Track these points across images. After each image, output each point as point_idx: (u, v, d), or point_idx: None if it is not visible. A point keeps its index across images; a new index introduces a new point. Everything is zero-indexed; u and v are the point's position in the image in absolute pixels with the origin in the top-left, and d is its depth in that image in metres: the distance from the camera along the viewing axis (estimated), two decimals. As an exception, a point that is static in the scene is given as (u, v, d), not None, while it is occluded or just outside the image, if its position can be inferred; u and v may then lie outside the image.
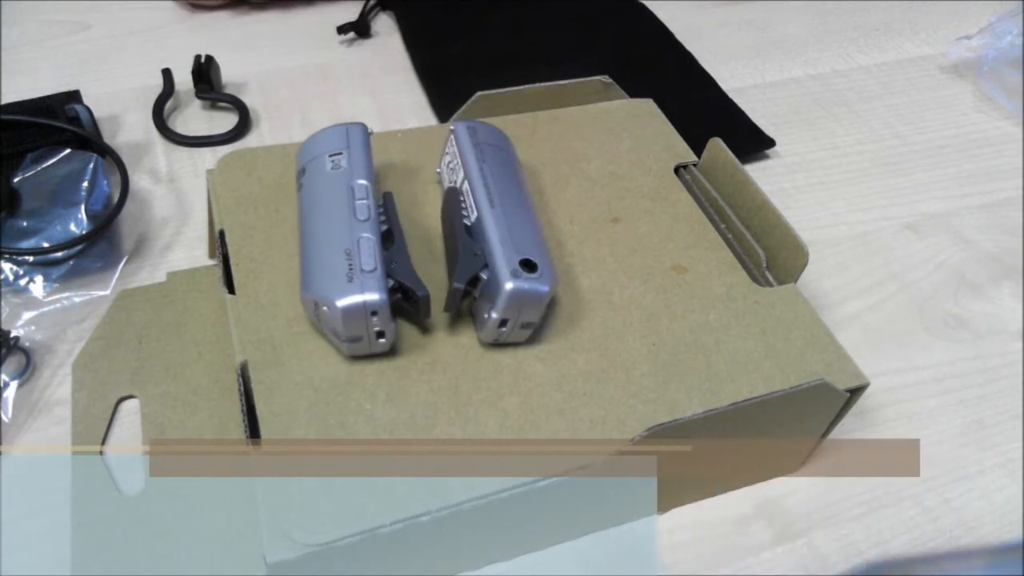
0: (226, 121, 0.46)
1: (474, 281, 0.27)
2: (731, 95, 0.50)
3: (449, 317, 0.29)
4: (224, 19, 0.54)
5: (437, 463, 0.25)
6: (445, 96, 0.47)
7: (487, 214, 0.28)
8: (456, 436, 0.25)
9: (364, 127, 0.31)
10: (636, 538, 0.30)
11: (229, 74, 0.49)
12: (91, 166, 0.37)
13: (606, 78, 0.39)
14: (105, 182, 0.38)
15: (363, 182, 0.29)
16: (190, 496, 0.28)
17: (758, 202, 0.33)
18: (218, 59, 0.50)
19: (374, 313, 0.25)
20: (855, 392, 0.28)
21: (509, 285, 0.26)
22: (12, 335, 0.33)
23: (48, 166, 0.37)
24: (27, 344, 0.33)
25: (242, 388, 0.26)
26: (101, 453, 0.30)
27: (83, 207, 0.36)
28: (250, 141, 0.45)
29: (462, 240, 0.28)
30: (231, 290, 0.29)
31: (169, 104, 0.46)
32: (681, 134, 0.38)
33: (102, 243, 0.36)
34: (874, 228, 0.43)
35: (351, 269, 0.26)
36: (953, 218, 0.44)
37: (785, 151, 0.48)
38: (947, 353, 0.37)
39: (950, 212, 0.45)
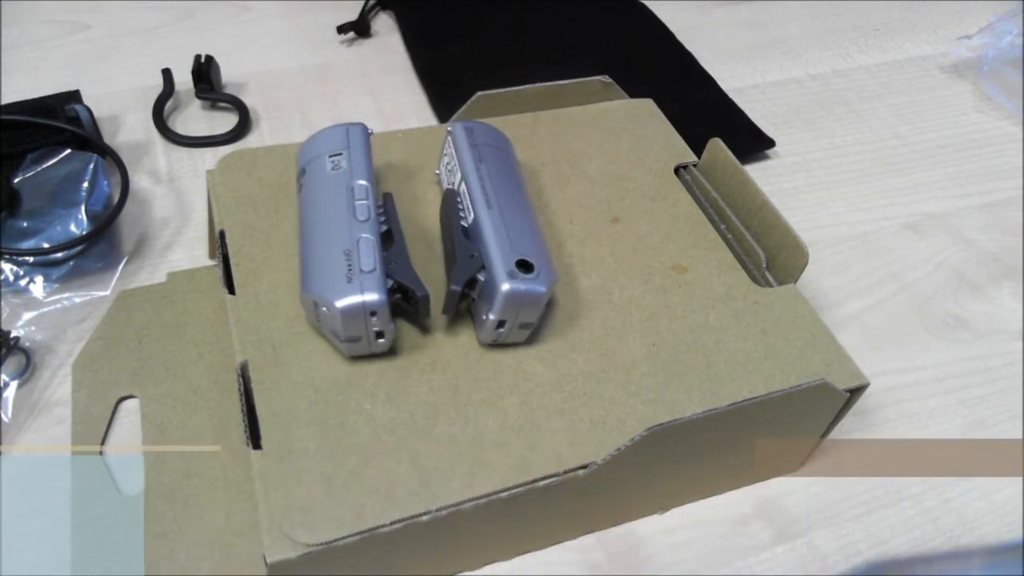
0: (226, 121, 0.46)
1: (472, 283, 0.27)
2: (731, 95, 0.50)
3: (448, 317, 0.29)
4: (224, 19, 0.54)
5: (437, 463, 0.25)
6: (445, 96, 0.47)
7: (484, 215, 0.28)
8: (456, 436, 0.25)
9: (364, 127, 0.31)
10: (636, 538, 0.30)
11: (229, 74, 0.49)
12: (91, 166, 0.37)
13: (606, 78, 0.39)
14: (105, 182, 0.38)
15: (363, 182, 0.29)
16: (190, 496, 0.28)
17: (758, 202, 0.33)
18: (218, 59, 0.50)
19: (373, 313, 0.25)
20: (855, 392, 0.28)
21: (505, 286, 0.26)
22: (12, 335, 0.33)
23: (48, 166, 0.37)
24: (27, 344, 0.33)
25: (242, 388, 0.26)
26: (101, 453, 0.30)
27: (83, 207, 0.36)
28: (250, 141, 0.45)
29: (459, 242, 0.28)
30: (231, 290, 0.29)
31: (169, 104, 0.46)
32: (681, 134, 0.38)
33: (102, 243, 0.36)
34: (874, 228, 0.43)
35: (351, 269, 0.26)
36: (953, 218, 0.44)
37: (785, 151, 0.48)
38: (947, 353, 0.37)
39: (950, 212, 0.45)
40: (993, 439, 0.34)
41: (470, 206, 0.29)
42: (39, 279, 0.35)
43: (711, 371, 0.28)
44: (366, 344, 0.26)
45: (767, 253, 0.32)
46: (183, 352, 0.33)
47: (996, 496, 0.32)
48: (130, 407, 0.31)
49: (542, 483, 0.25)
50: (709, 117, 0.48)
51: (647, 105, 0.40)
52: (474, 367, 0.27)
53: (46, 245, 0.35)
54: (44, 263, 0.35)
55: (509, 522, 0.26)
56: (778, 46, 0.57)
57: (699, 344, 0.29)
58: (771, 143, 0.47)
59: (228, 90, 0.48)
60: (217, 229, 0.31)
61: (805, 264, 0.31)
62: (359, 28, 0.53)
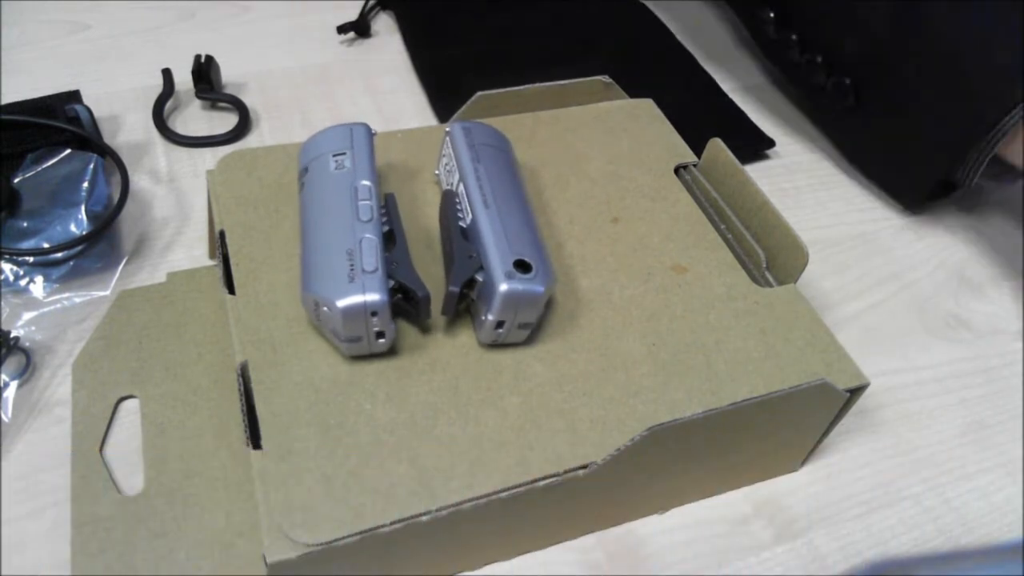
0: (226, 121, 0.46)
1: (470, 283, 0.27)
2: (731, 95, 0.50)
3: (448, 318, 0.29)
4: (224, 19, 0.54)
5: (437, 463, 0.25)
6: (445, 96, 0.47)
7: (482, 216, 0.28)
8: (456, 436, 0.25)
9: (368, 128, 0.31)
10: (636, 538, 0.30)
11: (229, 74, 0.49)
12: (91, 166, 0.37)
13: (606, 78, 0.39)
14: (105, 182, 0.38)
15: (367, 183, 0.29)
16: (190, 496, 0.28)
17: (758, 202, 0.33)
18: (218, 59, 0.50)
19: (374, 313, 0.25)
20: (855, 392, 0.28)
21: (503, 287, 0.26)
22: (12, 335, 0.33)
23: (48, 166, 0.37)
24: (27, 344, 0.33)
25: (242, 388, 0.26)
26: (101, 453, 0.30)
27: (83, 207, 0.36)
28: (250, 141, 0.45)
29: (458, 243, 0.28)
30: (231, 290, 0.29)
31: (169, 104, 0.46)
32: (681, 134, 0.38)
33: (102, 243, 0.36)
34: (874, 228, 0.43)
35: (352, 269, 0.26)
36: (953, 218, 0.44)
37: (785, 151, 0.48)
38: (947, 353, 0.37)
39: (950, 211, 0.45)
40: (993, 439, 0.34)
41: (468, 207, 0.29)
42: (39, 279, 0.35)
43: (711, 371, 0.28)
44: (366, 344, 0.26)
45: (767, 253, 0.32)
46: (183, 352, 0.33)
47: (996, 496, 0.32)
48: (130, 407, 0.31)
49: (542, 483, 0.25)
50: (709, 117, 0.48)
51: (647, 105, 0.40)
52: (474, 367, 0.27)
53: (46, 245, 0.35)
54: (44, 263, 0.35)
55: (509, 522, 0.26)
56: (778, 46, 0.57)
57: (699, 344, 0.29)
58: (771, 143, 0.47)
59: (228, 90, 0.48)
60: (217, 229, 0.31)
61: (805, 264, 0.31)
62: (359, 28, 0.53)
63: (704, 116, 0.48)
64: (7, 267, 0.35)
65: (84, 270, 0.36)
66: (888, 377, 0.36)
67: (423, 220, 0.32)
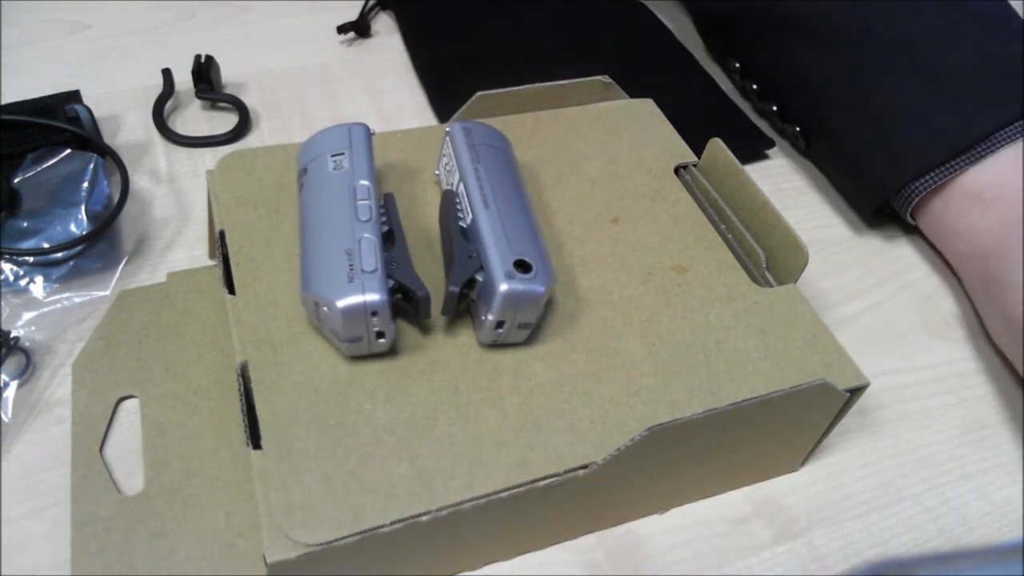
0: (226, 121, 0.46)
1: (470, 283, 0.27)
2: (731, 95, 0.50)
3: (448, 318, 0.29)
4: (224, 19, 0.54)
5: (437, 463, 0.25)
6: (445, 96, 0.47)
7: (482, 216, 0.28)
8: (456, 436, 0.25)
9: (366, 127, 0.31)
10: (636, 538, 0.30)
11: (229, 74, 0.49)
12: (91, 166, 0.37)
13: (606, 78, 0.39)
14: (105, 182, 0.38)
15: (365, 183, 0.29)
16: (190, 496, 0.28)
17: (758, 202, 0.33)
18: (218, 59, 0.50)
19: (374, 313, 0.25)
20: (855, 392, 0.28)
21: (503, 287, 0.26)
22: (12, 335, 0.33)
23: (48, 166, 0.37)
24: (27, 344, 0.33)
25: (242, 388, 0.26)
26: (101, 453, 0.30)
27: (83, 207, 0.36)
28: (250, 141, 0.45)
29: (458, 243, 0.28)
30: (231, 290, 0.29)
31: (169, 104, 0.46)
32: (681, 134, 0.38)
33: (102, 243, 0.36)
34: (873, 228, 0.43)
35: (352, 269, 0.26)
36: (953, 218, 0.44)
37: (785, 151, 0.48)
38: (947, 353, 0.37)
39: (950, 212, 0.45)
40: (993, 439, 0.34)
41: (468, 207, 0.29)
42: (39, 279, 0.35)
43: (711, 371, 0.28)
44: (367, 344, 0.26)
45: (767, 253, 0.32)
46: (183, 352, 0.33)
47: (996, 496, 0.32)
48: (130, 407, 0.31)
49: (542, 483, 0.25)
50: (709, 117, 0.48)
51: (647, 105, 0.40)
52: (474, 367, 0.27)
53: (46, 245, 0.35)
54: (44, 263, 0.35)
55: (509, 522, 0.26)
56: (778, 46, 0.57)
57: (699, 344, 0.29)
58: (771, 143, 0.47)
59: (228, 90, 0.48)
60: (217, 229, 0.31)
61: (805, 264, 0.31)
62: (359, 28, 0.53)
63: (704, 116, 0.48)
64: (7, 267, 0.35)
65: (84, 270, 0.36)
66: (888, 377, 0.36)
67: (423, 220, 0.32)
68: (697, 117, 0.47)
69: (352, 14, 0.54)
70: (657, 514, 0.30)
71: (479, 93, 0.37)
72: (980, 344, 0.38)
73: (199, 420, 0.30)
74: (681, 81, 0.51)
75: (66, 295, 0.35)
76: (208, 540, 0.27)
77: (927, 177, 0.38)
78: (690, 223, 0.34)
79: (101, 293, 0.35)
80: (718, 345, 0.29)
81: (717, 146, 0.35)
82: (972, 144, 0.37)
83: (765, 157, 0.47)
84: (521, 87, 0.37)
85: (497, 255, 0.27)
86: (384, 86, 0.49)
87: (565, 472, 0.25)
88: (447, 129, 0.32)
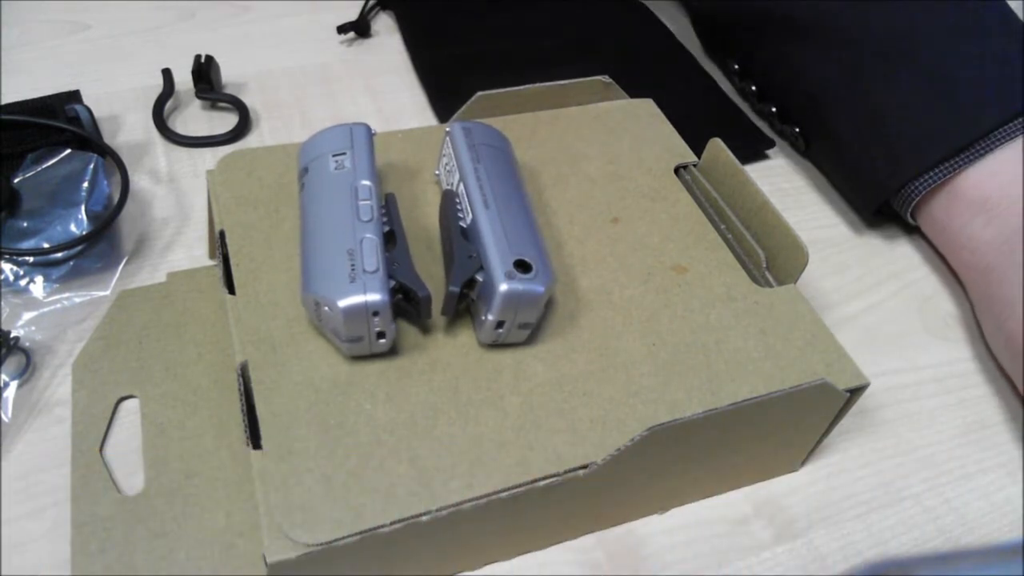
0: (226, 121, 0.46)
1: (471, 283, 0.27)
2: (731, 95, 0.50)
3: (448, 318, 0.29)
4: (224, 19, 0.54)
5: (437, 463, 0.25)
6: (445, 96, 0.47)
7: (482, 216, 0.28)
8: (456, 436, 0.25)
9: (367, 127, 0.31)
10: (636, 538, 0.30)
11: (229, 74, 0.49)
12: (91, 166, 0.37)
13: (606, 78, 0.39)
14: (105, 182, 0.38)
15: (367, 183, 0.29)
16: (190, 496, 0.28)
17: (758, 202, 0.33)
18: (218, 59, 0.50)
19: (376, 313, 0.25)
20: (855, 392, 0.28)
21: (503, 287, 0.26)
22: (12, 335, 0.33)
23: (48, 166, 0.37)
24: (27, 344, 0.33)
25: (242, 388, 0.26)
26: (101, 453, 0.30)
27: (83, 207, 0.36)
28: (250, 141, 0.45)
29: (458, 243, 0.28)
30: (231, 290, 0.29)
31: (169, 104, 0.46)
32: (681, 134, 0.38)
33: (102, 243, 0.36)
34: (873, 228, 0.43)
35: (353, 269, 0.26)
36: (953, 218, 0.44)
37: (785, 151, 0.48)
38: (947, 353, 0.37)
39: (950, 212, 0.45)
40: (993, 439, 0.34)
41: (468, 207, 0.29)
42: (39, 279, 0.35)
43: (711, 371, 0.28)
44: (367, 344, 0.26)
45: (767, 253, 0.32)
46: (183, 352, 0.33)
47: (996, 496, 0.32)
48: (130, 407, 0.31)
49: (542, 483, 0.25)
50: (709, 117, 0.48)
51: (647, 105, 0.40)
52: (474, 367, 0.27)
53: (46, 245, 0.35)
54: (44, 263, 0.35)
55: (509, 522, 0.26)
56: (778, 46, 0.56)
57: (699, 344, 0.29)
58: (771, 143, 0.47)
59: (228, 90, 0.48)
60: (217, 229, 0.31)
61: (805, 264, 0.31)
62: (359, 28, 0.53)
63: (704, 116, 0.48)
64: (7, 267, 0.35)
65: (84, 270, 0.36)
66: (888, 377, 0.36)
67: (423, 220, 0.32)
68: (697, 117, 0.47)
69: (352, 14, 0.54)
70: (657, 514, 0.30)
71: (479, 93, 0.37)
72: (980, 344, 0.38)
73: (199, 420, 0.30)
74: (681, 81, 0.51)
75: (66, 295, 0.35)
76: (208, 540, 0.27)
77: (926, 176, 0.38)
78: (690, 223, 0.34)
79: (101, 293, 0.35)
80: (718, 345, 0.29)
81: (717, 146, 0.35)
82: (970, 143, 0.37)
83: (765, 157, 0.47)
84: (521, 87, 0.37)
85: (497, 255, 0.27)
86: (384, 86, 0.49)
87: (565, 472, 0.25)
88: (447, 129, 0.32)
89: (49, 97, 0.41)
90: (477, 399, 0.26)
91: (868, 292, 0.40)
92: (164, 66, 0.48)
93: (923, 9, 0.40)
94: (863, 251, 0.42)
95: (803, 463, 0.32)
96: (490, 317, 0.26)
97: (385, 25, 0.55)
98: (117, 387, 0.31)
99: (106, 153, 0.40)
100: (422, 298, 0.26)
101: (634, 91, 0.40)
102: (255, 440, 0.25)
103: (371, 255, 0.26)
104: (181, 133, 0.44)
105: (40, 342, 0.33)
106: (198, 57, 0.46)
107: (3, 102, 0.44)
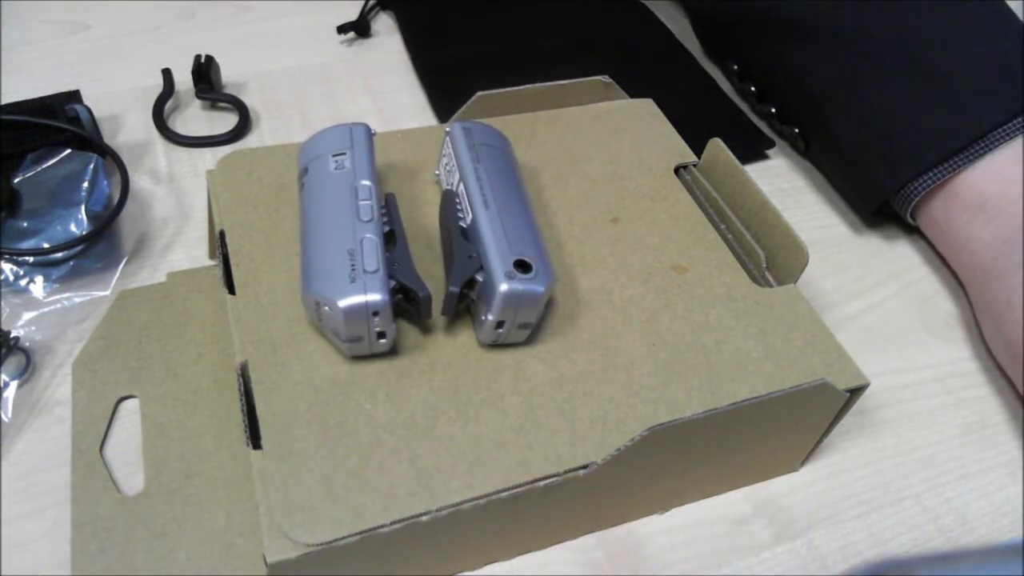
0: (226, 121, 0.46)
1: (471, 283, 0.27)
2: (731, 95, 0.50)
3: (448, 318, 0.29)
4: (224, 19, 0.54)
5: (437, 463, 0.25)
6: (445, 96, 0.47)
7: (482, 216, 0.28)
8: (456, 436, 0.25)
9: (367, 127, 0.31)
10: (636, 538, 0.30)
11: (229, 74, 0.49)
12: (91, 166, 0.37)
13: (606, 78, 0.39)
14: (105, 182, 0.38)
15: (367, 183, 0.29)
16: (190, 496, 0.28)
17: (758, 202, 0.33)
18: (218, 59, 0.50)
19: (376, 313, 0.25)
20: (855, 392, 0.28)
21: (503, 287, 0.26)
22: (12, 335, 0.33)
23: (48, 166, 0.37)
24: (27, 344, 0.33)
25: (242, 388, 0.26)
26: (101, 453, 0.30)
27: (83, 207, 0.36)
28: (250, 141, 0.45)
29: (458, 243, 0.28)
30: (231, 290, 0.29)
31: (169, 104, 0.46)
32: (681, 134, 0.38)
33: (102, 243, 0.36)
34: (873, 228, 0.43)
35: (354, 269, 0.26)
36: (953, 218, 0.44)
37: (785, 151, 0.48)
38: (947, 353, 0.37)
39: (950, 212, 0.45)
40: (993, 439, 0.34)
41: (468, 207, 0.29)
42: (39, 279, 0.35)
43: (711, 371, 0.28)
44: (367, 344, 0.26)
45: (767, 253, 0.32)
46: (183, 352, 0.33)
47: (996, 496, 0.32)
48: (130, 407, 0.31)
49: (542, 483, 0.25)
50: (709, 117, 0.48)
51: (647, 105, 0.40)
52: (474, 367, 0.27)
53: (46, 245, 0.35)
54: (44, 263, 0.35)
55: (509, 522, 0.26)
56: (778, 46, 0.56)
57: (699, 344, 0.29)
58: (771, 143, 0.47)
59: (228, 90, 0.48)
60: (217, 229, 0.31)
61: (805, 264, 0.31)
62: (359, 28, 0.53)
63: (704, 116, 0.48)
64: (7, 267, 0.35)
65: (84, 270, 0.36)
66: (888, 377, 0.36)
67: (423, 220, 0.32)
68: (697, 117, 0.47)
69: (352, 14, 0.54)
70: (657, 514, 0.30)
71: (479, 93, 0.37)
72: (980, 344, 0.38)
73: (199, 420, 0.30)
74: (681, 81, 0.51)
75: (66, 295, 0.35)
76: (208, 540, 0.27)
77: (925, 177, 0.38)
78: (690, 223, 0.34)
79: (101, 293, 0.35)
80: (718, 345, 0.29)
81: (717, 146, 0.35)
82: (969, 143, 0.37)
83: (765, 157, 0.47)
84: (521, 87, 0.37)
85: (497, 255, 0.27)
86: (384, 86, 0.49)
87: (565, 472, 0.25)
88: (447, 129, 0.32)
89: (49, 97, 0.41)
90: (477, 399, 0.26)
91: (868, 292, 0.40)
92: (164, 66, 0.48)
93: (922, 10, 0.40)
94: (863, 251, 0.42)
95: (803, 463, 0.32)
96: (490, 317, 0.26)
97: (385, 25, 0.55)
98: (117, 387, 0.31)
99: (106, 153, 0.40)
100: (422, 298, 0.26)
101: (634, 91, 0.40)
102: (255, 440, 0.25)
103: (371, 255, 0.26)
104: (181, 133, 0.44)
105: (40, 342, 0.33)
106: (198, 57, 0.46)
107: (3, 102, 0.44)
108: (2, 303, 0.34)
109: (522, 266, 0.26)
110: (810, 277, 0.40)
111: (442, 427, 0.25)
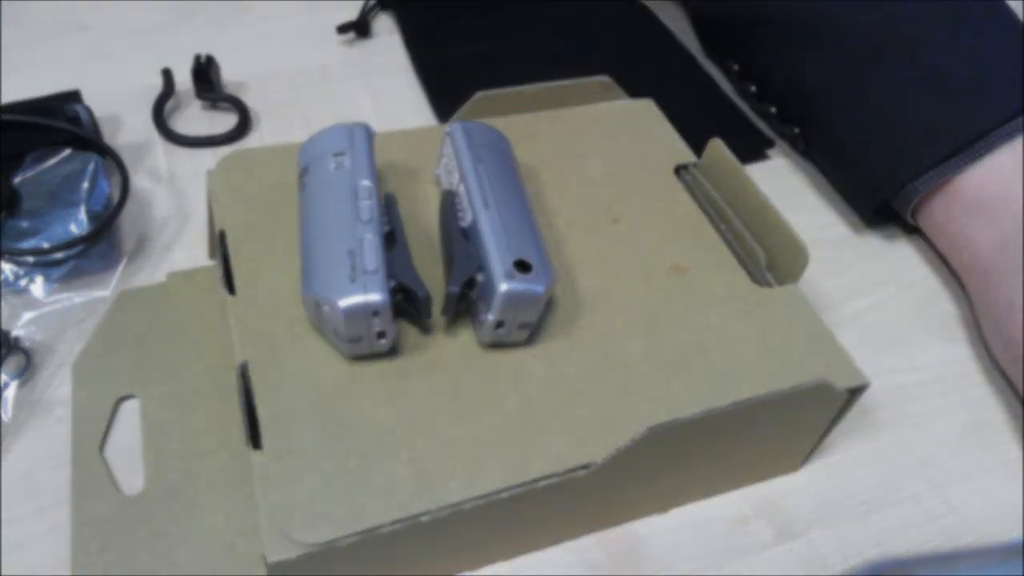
0: (226, 121, 0.46)
1: (471, 284, 0.27)
2: (731, 95, 0.50)
3: (448, 318, 0.29)
4: (224, 19, 0.54)
5: (437, 463, 0.25)
6: (445, 96, 0.47)
7: (482, 216, 0.28)
8: (456, 436, 0.25)
9: (368, 128, 0.31)
10: (636, 538, 0.30)
11: (229, 74, 0.49)
12: (91, 166, 0.37)
13: (606, 78, 0.39)
14: (105, 182, 0.38)
15: (367, 183, 0.29)
16: (190, 496, 0.28)
17: (758, 203, 0.33)
18: (218, 59, 0.50)
19: (376, 313, 0.25)
20: (855, 392, 0.28)
21: (503, 287, 0.26)
22: (12, 335, 0.33)
23: (48, 166, 0.37)
24: (27, 344, 0.33)
25: (242, 388, 0.26)
26: (101, 453, 0.30)
27: (83, 207, 0.36)
28: (250, 141, 0.45)
29: (458, 243, 0.28)
30: (231, 290, 0.29)
31: (169, 104, 0.46)
32: (681, 134, 0.38)
33: (102, 243, 0.36)
34: (874, 228, 0.43)
35: (354, 269, 0.26)
36: (953, 218, 0.44)
37: (785, 151, 0.48)
38: (947, 353, 0.37)
39: (950, 212, 0.45)
40: (993, 439, 0.34)
41: (468, 207, 0.29)
42: (39, 279, 0.35)
43: (711, 371, 0.28)
44: (367, 344, 0.26)
45: (767, 253, 0.32)
46: (183, 352, 0.33)
47: (996, 496, 0.32)
48: (130, 407, 0.31)
49: (542, 483, 0.25)
50: (709, 117, 0.48)
51: (647, 105, 0.40)
52: (474, 367, 0.27)
53: (46, 245, 0.35)
54: (44, 263, 0.35)
55: (509, 522, 0.26)
56: (778, 46, 0.56)
57: (699, 344, 0.29)
58: (771, 143, 0.47)
59: (228, 90, 0.48)
60: (217, 229, 0.31)
61: (805, 264, 0.31)
62: (359, 28, 0.53)
63: (704, 116, 0.48)
64: (7, 267, 0.35)
65: (84, 270, 0.36)
66: (888, 377, 0.36)
67: (423, 220, 0.32)
68: (697, 117, 0.47)
69: (352, 14, 0.54)
70: (657, 514, 0.30)
71: (479, 93, 0.37)
72: (980, 344, 0.38)
73: (199, 420, 0.30)
74: (681, 81, 0.51)
75: (66, 295, 0.35)
76: (208, 540, 0.27)
77: (925, 177, 0.38)
78: (690, 223, 0.34)
79: (101, 293, 0.35)
80: (718, 345, 0.29)
81: (717, 146, 0.35)
82: (970, 142, 0.37)
83: (765, 157, 0.47)
84: (521, 87, 0.37)
85: (497, 255, 0.27)
86: (384, 86, 0.49)
87: (565, 472, 0.25)
88: (447, 129, 0.32)
89: (49, 97, 0.41)
90: (477, 399, 0.26)
91: (868, 292, 0.40)
92: (164, 66, 0.48)
93: (922, 9, 0.40)
94: (863, 251, 0.42)
95: (803, 463, 0.32)
96: (490, 317, 0.26)
97: (385, 25, 0.55)
98: (117, 387, 0.31)
99: (106, 153, 0.40)
100: (422, 298, 0.26)
101: (634, 91, 0.40)
102: (255, 440, 0.25)
103: (371, 255, 0.26)
104: (181, 133, 0.44)
105: (40, 342, 0.33)
106: (198, 57, 0.46)
107: (3, 102, 0.44)
108: (2, 303, 0.34)
109: (522, 266, 0.26)
110: (810, 277, 0.40)
111: (442, 427, 0.25)
